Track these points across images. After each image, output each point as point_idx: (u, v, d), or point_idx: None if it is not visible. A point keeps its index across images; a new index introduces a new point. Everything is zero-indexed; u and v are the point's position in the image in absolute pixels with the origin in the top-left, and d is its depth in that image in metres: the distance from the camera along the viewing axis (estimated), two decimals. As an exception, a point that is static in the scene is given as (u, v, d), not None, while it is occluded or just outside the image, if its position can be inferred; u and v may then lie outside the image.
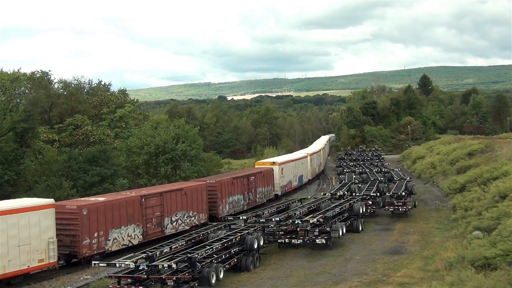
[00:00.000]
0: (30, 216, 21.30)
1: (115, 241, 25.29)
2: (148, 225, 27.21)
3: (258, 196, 39.65)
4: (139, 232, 26.77)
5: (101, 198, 26.26)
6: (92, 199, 26.42)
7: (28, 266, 21.13)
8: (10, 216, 20.60)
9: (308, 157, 55.22)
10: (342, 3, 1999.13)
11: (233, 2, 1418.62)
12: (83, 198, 28.21)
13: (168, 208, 28.73)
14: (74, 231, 23.49)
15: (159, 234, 27.87)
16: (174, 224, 29.22)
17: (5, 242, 20.25)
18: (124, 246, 25.66)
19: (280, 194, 44.36)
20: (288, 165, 47.21)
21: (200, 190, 31.72)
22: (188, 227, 29.86)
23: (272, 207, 31.95)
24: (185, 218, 30.10)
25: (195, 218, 30.96)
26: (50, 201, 23.15)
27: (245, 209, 36.83)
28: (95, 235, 24.14)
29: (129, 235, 26.13)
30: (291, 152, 65.88)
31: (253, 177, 39.08)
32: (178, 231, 28.97)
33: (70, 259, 24.01)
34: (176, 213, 29.39)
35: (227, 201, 34.89)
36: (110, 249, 24.86)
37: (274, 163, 45.24)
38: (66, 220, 23.39)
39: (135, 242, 26.42)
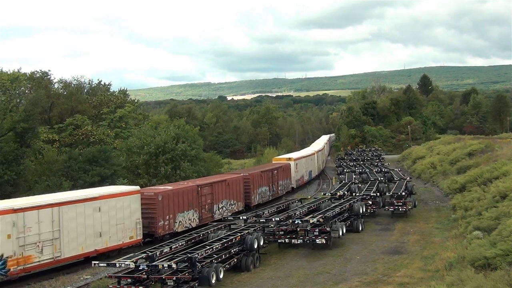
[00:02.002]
0: (123, 200, 25.40)
1: (180, 223, 28.93)
2: (202, 211, 31.04)
3: (279, 188, 43.21)
4: (197, 216, 30.46)
5: (169, 187, 30.07)
6: (162, 187, 30.40)
7: (123, 242, 25.18)
8: (110, 199, 24.70)
9: (316, 154, 59.08)
10: (341, 2, 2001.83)
11: (232, 1, 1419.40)
12: (154, 187, 32.47)
13: (217, 196, 32.55)
14: (152, 214, 26.99)
15: (210, 219, 31.39)
16: (220, 210, 32.94)
17: (107, 221, 24.31)
18: (185, 228, 28.89)
19: (295, 187, 47.97)
20: (301, 161, 50.83)
21: (238, 182, 35.63)
22: (230, 214, 33.20)
23: (272, 207, 32.00)
24: (228, 205, 33.93)
25: (235, 206, 34.79)
26: (137, 188, 27.49)
27: (270, 199, 40.66)
28: (167, 217, 27.78)
29: (190, 218, 29.83)
30: (291, 152, 66.11)
31: (276, 171, 42.69)
32: (223, 216, 31.57)
33: (145, 238, 26.94)
34: (222, 201, 33.20)
35: (257, 192, 38.65)
36: (177, 230, 28.27)
37: (290, 158, 48.77)
38: (145, 204, 26.77)
39: (194, 225, 29.88)
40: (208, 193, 31.61)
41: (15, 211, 20.49)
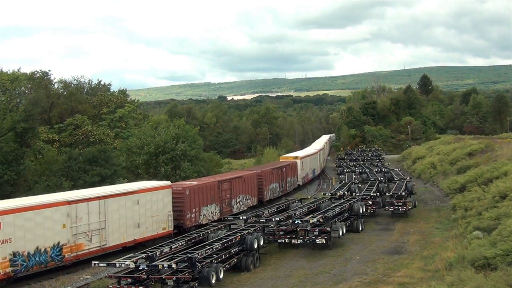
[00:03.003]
0: (158, 194, 27.49)
1: (204, 216, 30.81)
2: (223, 205, 33.11)
3: (288, 185, 45.49)
4: (218, 210, 32.41)
5: (194, 182, 32.04)
6: (188, 182, 32.06)
7: (157, 233, 27.09)
8: (147, 193, 26.77)
9: (318, 153, 61.75)
10: (341, 2, 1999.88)
11: (231, 1, 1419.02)
12: (181, 182, 33.80)
13: (235, 191, 34.71)
14: (180, 207, 28.89)
15: (229, 212, 33.38)
16: (238, 205, 35.11)
17: (144, 213, 26.33)
18: (208, 221, 30.73)
19: (301, 184, 50.29)
20: (306, 159, 53.02)
21: (253, 178, 37.72)
22: (246, 208, 35.79)
23: (272, 207, 32.02)
24: (244, 200, 36.13)
25: (250, 201, 36.97)
26: (168, 183, 29.66)
27: (279, 195, 43.06)
28: (193, 210, 29.78)
29: (212, 212, 31.80)
30: (291, 152, 66.43)
31: (285, 169, 44.93)
32: (240, 210, 34.76)
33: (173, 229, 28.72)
34: (239, 196, 35.35)
35: (269, 188, 40.84)
36: (201, 222, 30.13)
37: (296, 157, 50.81)
38: (174, 198, 28.70)
39: (215, 217, 31.70)
40: (227, 188, 33.70)
41: (69, 203, 22.56)
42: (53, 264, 21.74)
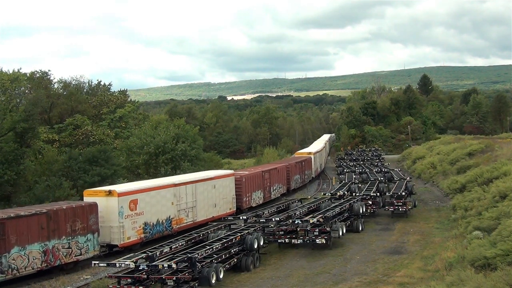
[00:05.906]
0: (226, 180, 33.58)
1: (254, 200, 37.05)
2: (265, 191, 39.09)
3: (305, 177, 51.58)
4: (262, 195, 38.63)
5: (246, 172, 38.76)
6: (241, 172, 38.74)
7: (226, 212, 32.71)
8: (220, 179, 32.83)
9: (323, 150, 67.72)
10: (340, 2, 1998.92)
11: (230, 1, 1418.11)
12: (238, 171, 40.51)
13: (272, 180, 40.70)
14: (239, 192, 34.84)
15: (269, 198, 39.71)
16: (274, 192, 41.16)
17: (218, 196, 32.27)
18: (256, 204, 36.82)
19: (314, 177, 56.35)
20: (316, 154, 58.76)
21: (283, 170, 43.91)
22: (279, 195, 42.18)
23: (272, 207, 32.03)
24: (278, 188, 42.15)
25: (281, 189, 43.21)
26: (232, 171, 36.82)
27: (300, 186, 49.24)
28: (247, 195, 36.06)
29: (258, 197, 38.00)
30: (290, 152, 67.01)
31: (303, 163, 50.91)
32: (275, 197, 41.13)
33: None
34: (274, 184, 41.23)
35: (294, 179, 46.88)
36: (252, 205, 36.32)
37: (310, 153, 56.94)
38: (235, 185, 34.38)
39: (260, 202, 38.05)
40: (268, 177, 39.60)
41: (175, 185, 28.33)
42: (167, 233, 27.13)
